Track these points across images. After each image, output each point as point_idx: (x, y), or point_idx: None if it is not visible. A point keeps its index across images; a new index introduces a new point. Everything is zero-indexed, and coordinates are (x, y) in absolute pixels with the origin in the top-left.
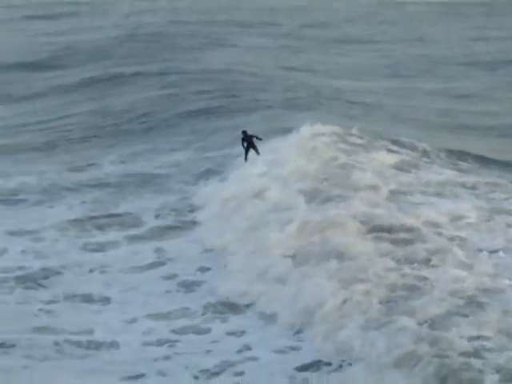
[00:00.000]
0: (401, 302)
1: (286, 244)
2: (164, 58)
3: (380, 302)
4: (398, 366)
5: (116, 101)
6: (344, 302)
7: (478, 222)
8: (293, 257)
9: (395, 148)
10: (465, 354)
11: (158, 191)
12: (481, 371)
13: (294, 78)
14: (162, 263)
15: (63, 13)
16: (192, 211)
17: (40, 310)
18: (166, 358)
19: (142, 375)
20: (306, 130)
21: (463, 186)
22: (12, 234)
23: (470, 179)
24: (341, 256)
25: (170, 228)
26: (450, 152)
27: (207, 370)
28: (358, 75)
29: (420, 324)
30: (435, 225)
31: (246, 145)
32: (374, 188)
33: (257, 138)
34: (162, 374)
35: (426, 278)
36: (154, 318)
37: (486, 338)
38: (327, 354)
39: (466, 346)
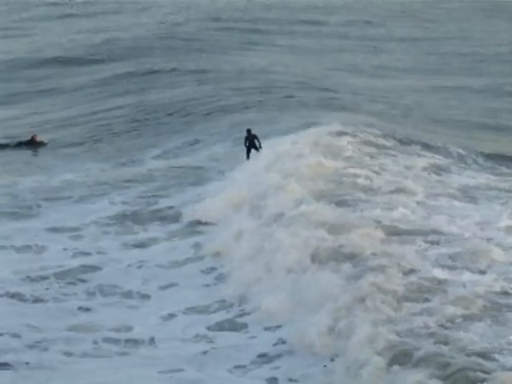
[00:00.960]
0: (415, 302)
1: (302, 242)
2: (202, 56)
3: (394, 302)
4: (402, 362)
5: (154, 96)
6: (356, 300)
7: (508, 226)
8: (310, 255)
9: (426, 151)
10: (475, 354)
11: (199, 184)
12: (489, 372)
13: (335, 77)
14: (200, 258)
15: (106, 10)
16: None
17: (79, 307)
18: (204, 353)
19: (180, 370)
20: (320, 129)
21: (498, 190)
22: (53, 231)
23: (506, 184)
24: (356, 256)
25: (208, 222)
26: (488, 156)
27: (244, 366)
28: (402, 74)
29: (430, 324)
30: (461, 228)
31: (247, 143)
32: (397, 191)
33: (257, 140)
34: (199, 369)
35: (445, 281)
36: (191, 313)
37: (502, 341)
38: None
39: (478, 347)
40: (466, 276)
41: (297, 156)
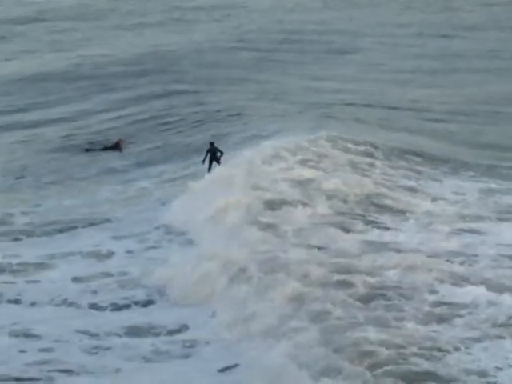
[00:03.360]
0: (428, 323)
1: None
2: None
3: (406, 322)
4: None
5: (213, 98)
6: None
7: None
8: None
9: (486, 176)
10: (478, 374)
11: None
12: None
13: (408, 94)
14: None
15: (166, 28)
16: None
17: (137, 311)
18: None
19: (235, 365)
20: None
21: None
22: (122, 237)
23: None
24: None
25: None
26: None
27: None
28: (481, 85)
29: (439, 347)
30: (492, 250)
31: (210, 156)
32: (430, 214)
33: (220, 152)
34: (250, 366)
35: (461, 303)
36: None
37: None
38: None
39: (480, 367)
40: (486, 298)
41: (316, 169)
